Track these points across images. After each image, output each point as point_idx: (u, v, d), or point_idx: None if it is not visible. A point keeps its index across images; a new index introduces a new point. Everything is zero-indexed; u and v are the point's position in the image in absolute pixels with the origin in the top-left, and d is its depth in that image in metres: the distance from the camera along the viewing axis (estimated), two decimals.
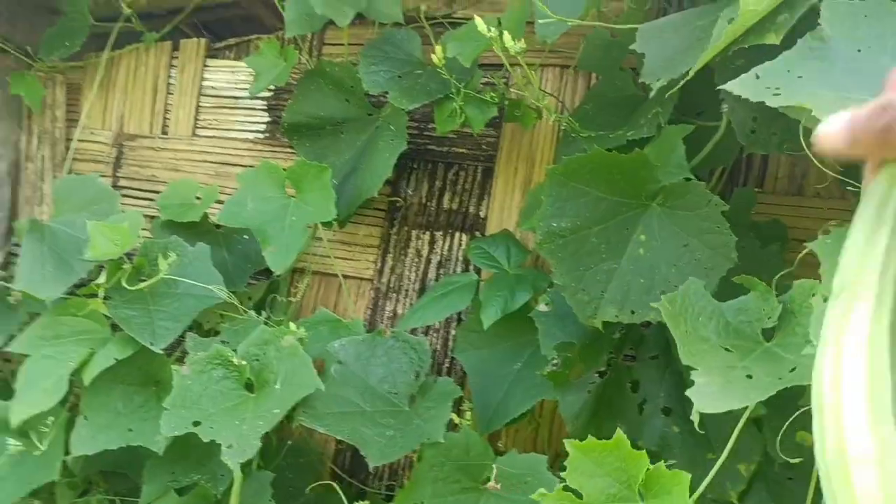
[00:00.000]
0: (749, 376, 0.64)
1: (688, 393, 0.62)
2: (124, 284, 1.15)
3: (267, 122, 1.53)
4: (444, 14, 1.43)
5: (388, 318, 1.43)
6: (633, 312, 0.96)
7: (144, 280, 1.21)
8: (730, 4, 0.83)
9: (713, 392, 0.62)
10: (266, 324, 1.21)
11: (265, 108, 1.53)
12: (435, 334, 1.40)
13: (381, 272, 1.44)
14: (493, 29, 0.98)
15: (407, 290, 1.43)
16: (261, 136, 1.53)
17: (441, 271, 1.41)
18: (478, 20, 0.98)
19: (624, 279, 0.97)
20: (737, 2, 0.78)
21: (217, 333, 1.24)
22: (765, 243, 1.10)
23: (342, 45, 1.46)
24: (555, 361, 1.08)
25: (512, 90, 1.37)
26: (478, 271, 1.33)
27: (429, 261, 1.42)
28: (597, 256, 0.98)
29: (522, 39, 1.00)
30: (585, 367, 1.10)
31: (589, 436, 0.86)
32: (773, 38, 0.73)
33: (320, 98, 1.38)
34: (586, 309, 0.98)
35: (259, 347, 1.11)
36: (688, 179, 0.96)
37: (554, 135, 1.37)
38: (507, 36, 0.98)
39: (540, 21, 1.01)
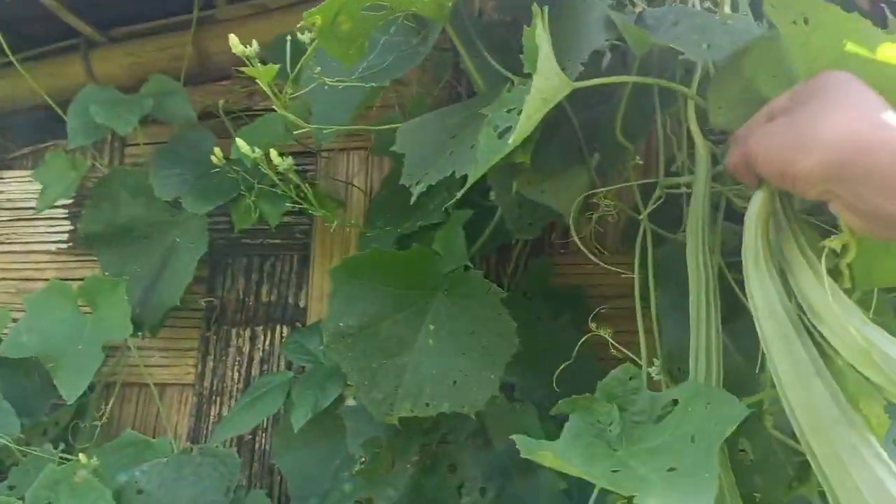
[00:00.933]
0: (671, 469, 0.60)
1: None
2: None
3: (69, 231, 1.45)
4: (244, 108, 1.43)
5: (214, 422, 1.36)
6: (427, 405, 0.96)
7: None
8: (474, 114, 0.85)
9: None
10: (63, 456, 1.12)
11: (66, 216, 1.46)
12: (263, 435, 1.35)
13: (202, 376, 1.38)
14: (256, 150, 0.97)
15: (231, 392, 1.37)
16: (64, 246, 1.45)
17: (264, 368, 1.37)
18: (239, 141, 0.97)
19: (417, 371, 0.97)
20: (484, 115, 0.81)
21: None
22: (558, 313, 1.14)
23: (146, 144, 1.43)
24: (362, 459, 1.06)
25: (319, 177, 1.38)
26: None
27: (251, 358, 1.38)
28: (388, 351, 0.97)
29: (289, 157, 0.99)
30: (397, 460, 1.09)
31: None
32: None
33: (117, 204, 1.32)
34: (381, 407, 0.96)
35: (49, 489, 1.03)
36: (467, 268, 0.98)
37: (366, 217, 1.37)
38: (273, 153, 0.97)
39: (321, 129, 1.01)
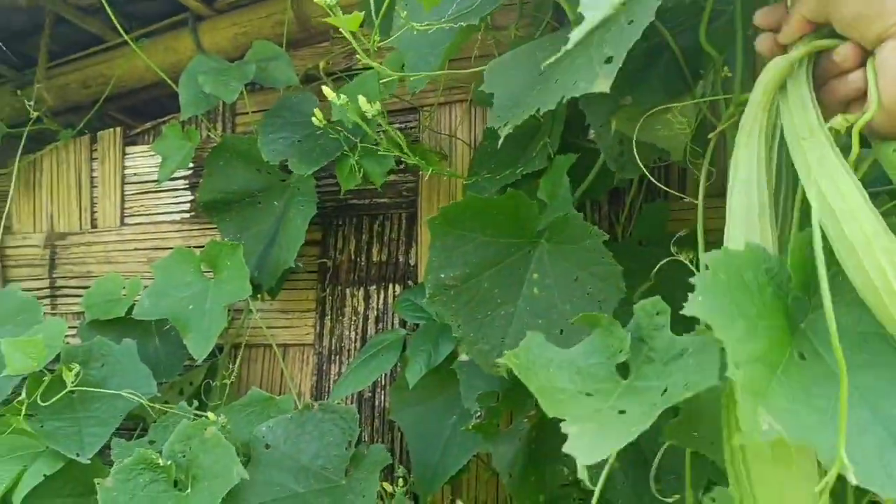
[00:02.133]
0: (622, 412, 0.59)
1: (565, 448, 0.57)
2: (38, 401, 1.13)
3: (191, 201, 1.52)
4: (344, 68, 1.42)
5: (335, 380, 1.40)
6: None
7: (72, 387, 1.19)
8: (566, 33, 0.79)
9: (590, 439, 0.57)
10: (197, 413, 1.18)
11: (187, 187, 1.52)
12: (382, 392, 1.36)
13: (321, 336, 1.41)
14: (342, 96, 0.95)
15: (349, 351, 1.39)
16: (187, 215, 1.52)
17: (379, 326, 1.38)
18: (326, 90, 0.95)
19: (522, 322, 0.93)
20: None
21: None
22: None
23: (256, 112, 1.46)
24: (478, 413, 1.04)
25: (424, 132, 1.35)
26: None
27: (366, 317, 1.39)
28: (492, 303, 0.94)
29: (378, 103, 0.96)
30: (513, 414, 1.06)
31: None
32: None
33: (230, 172, 1.36)
34: (488, 358, 0.93)
35: (183, 443, 1.08)
36: (565, 214, 0.92)
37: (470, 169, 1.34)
38: (362, 100, 0.95)
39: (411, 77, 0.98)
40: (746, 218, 0.60)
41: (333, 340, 1.40)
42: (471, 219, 0.94)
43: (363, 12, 0.80)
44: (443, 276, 0.94)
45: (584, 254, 0.89)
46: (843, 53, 0.60)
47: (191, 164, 1.47)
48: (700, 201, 0.75)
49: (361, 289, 1.40)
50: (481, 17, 0.88)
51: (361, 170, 1.19)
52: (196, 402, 1.25)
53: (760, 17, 0.66)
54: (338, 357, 1.40)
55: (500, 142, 1.13)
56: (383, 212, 1.40)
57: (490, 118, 0.82)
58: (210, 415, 1.09)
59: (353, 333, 1.39)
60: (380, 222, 1.41)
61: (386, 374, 1.34)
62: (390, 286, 1.38)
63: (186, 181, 1.52)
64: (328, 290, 1.42)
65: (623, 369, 0.68)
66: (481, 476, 1.28)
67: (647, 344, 0.68)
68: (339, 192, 1.40)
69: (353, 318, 1.40)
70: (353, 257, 1.41)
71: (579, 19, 0.68)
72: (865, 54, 0.59)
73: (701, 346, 0.61)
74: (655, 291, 0.84)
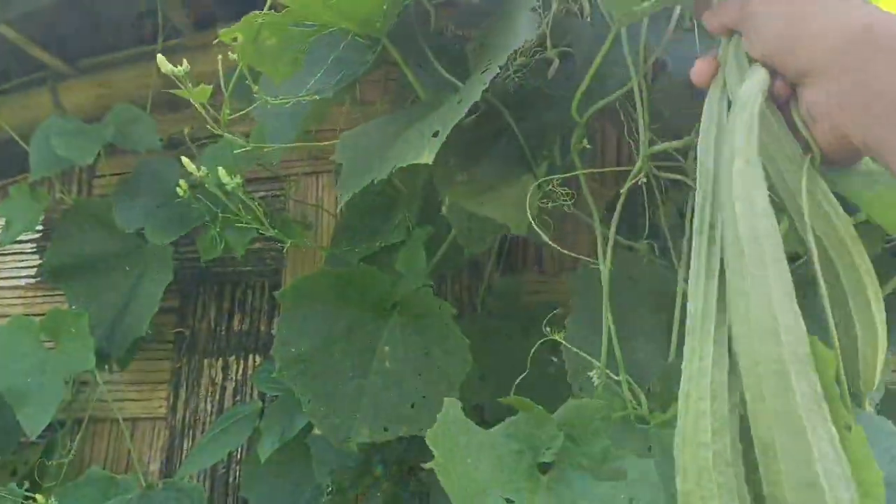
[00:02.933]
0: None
1: None
2: None
3: (38, 265, 1.43)
4: (210, 135, 1.40)
5: (188, 456, 1.33)
6: (385, 429, 0.92)
7: None
8: (423, 114, 0.83)
9: None
10: (27, 495, 1.09)
11: (34, 250, 1.44)
12: (237, 467, 1.31)
13: (174, 409, 1.35)
14: (202, 168, 0.95)
15: (205, 424, 1.34)
16: (32, 280, 1.43)
17: (237, 398, 1.34)
18: (185, 161, 0.95)
19: (374, 394, 0.94)
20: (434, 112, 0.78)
21: None
22: (528, 332, 1.10)
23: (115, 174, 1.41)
24: (329, 489, 1.02)
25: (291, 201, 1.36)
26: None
27: (224, 389, 1.35)
28: (343, 375, 0.94)
29: (237, 175, 0.97)
30: (367, 490, 1.05)
31: None
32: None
33: (83, 236, 1.31)
34: (338, 433, 0.93)
35: None
36: (424, 286, 0.95)
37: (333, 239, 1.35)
38: (221, 171, 0.95)
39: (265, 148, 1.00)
40: (762, 266, 0.45)
41: (188, 413, 1.35)
42: (322, 291, 0.95)
43: (212, 85, 0.81)
44: (293, 350, 0.94)
45: (434, 328, 0.92)
46: (776, 90, 0.51)
47: (39, 227, 1.40)
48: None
49: (220, 359, 1.36)
50: (335, 92, 0.92)
51: (223, 240, 1.18)
52: (27, 484, 1.16)
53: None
54: (192, 431, 1.34)
55: (366, 215, 1.17)
56: (246, 280, 1.39)
57: (338, 186, 0.84)
58: (39, 497, 1.01)
59: (209, 406, 1.34)
60: (242, 290, 1.39)
61: (242, 448, 1.29)
62: (251, 356, 1.35)
63: (34, 244, 1.44)
64: (184, 359, 1.37)
65: (544, 467, 0.67)
66: None
67: (579, 447, 0.68)
68: (199, 258, 1.38)
69: (211, 389, 1.35)
70: (212, 326, 1.37)
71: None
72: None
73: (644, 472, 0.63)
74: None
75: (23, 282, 1.43)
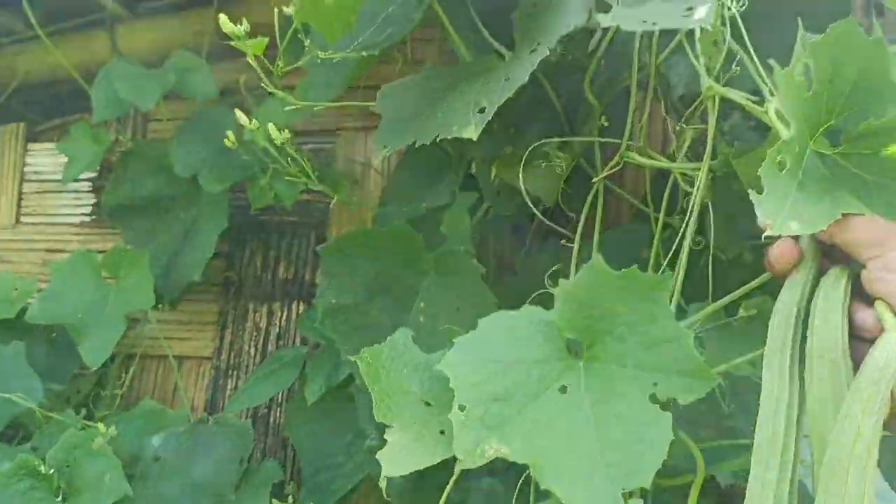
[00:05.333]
0: (442, 431, 0.63)
1: (377, 455, 0.62)
2: None
3: (94, 205, 1.48)
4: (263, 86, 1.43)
5: (231, 395, 1.40)
6: None
7: None
8: (459, 80, 0.85)
9: (401, 451, 0.62)
10: (85, 423, 1.16)
11: (90, 189, 1.49)
12: (278, 409, 1.37)
13: (219, 350, 1.41)
14: (253, 119, 0.98)
15: (248, 366, 1.40)
16: (87, 219, 1.48)
17: (280, 343, 1.39)
18: (238, 113, 0.98)
19: None
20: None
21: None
22: None
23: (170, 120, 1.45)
24: (373, 435, 1.07)
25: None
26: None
27: (268, 333, 1.40)
28: (381, 328, 0.98)
29: (286, 131, 1.00)
30: None
31: None
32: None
33: (140, 178, 1.35)
34: None
35: (68, 452, 1.06)
36: (462, 251, 0.98)
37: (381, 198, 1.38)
38: (272, 127, 0.98)
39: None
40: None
41: (232, 355, 1.40)
42: (363, 248, 0.99)
43: (267, 37, 0.83)
44: (334, 301, 0.98)
45: (465, 286, 0.96)
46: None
47: (96, 167, 1.44)
48: (576, 243, 0.82)
49: (265, 304, 1.41)
50: (381, 49, 0.93)
51: (273, 190, 1.21)
52: (84, 411, 1.23)
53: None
54: (235, 372, 1.40)
55: (416, 175, 1.20)
56: (293, 230, 1.43)
57: (376, 138, 0.87)
58: (100, 425, 1.07)
59: (252, 349, 1.40)
60: (288, 240, 1.43)
61: (283, 391, 1.35)
62: (294, 304, 1.40)
63: (90, 184, 1.49)
64: (231, 303, 1.42)
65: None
66: (377, 498, 1.31)
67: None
68: (249, 207, 1.42)
69: (255, 333, 1.40)
70: (258, 273, 1.42)
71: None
72: None
73: None
74: None
75: (78, 219, 1.48)
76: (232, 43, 0.82)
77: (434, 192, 1.13)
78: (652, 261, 0.74)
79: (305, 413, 1.19)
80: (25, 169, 1.51)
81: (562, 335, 0.63)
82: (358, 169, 1.38)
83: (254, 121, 0.97)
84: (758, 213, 0.50)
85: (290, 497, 1.08)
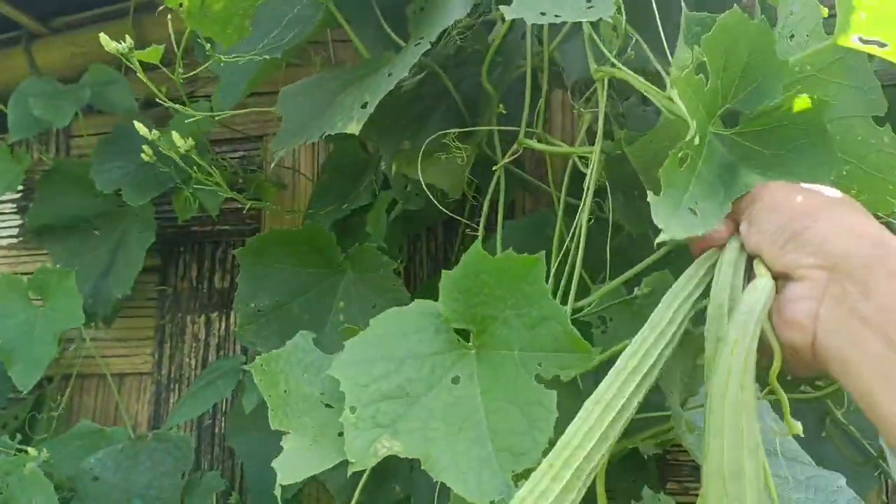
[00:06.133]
0: (341, 434, 0.61)
1: (273, 463, 0.62)
2: None
3: (20, 226, 1.46)
4: (187, 93, 1.42)
5: (174, 408, 1.39)
6: None
7: None
8: (355, 77, 0.85)
9: (296, 458, 0.62)
10: (19, 447, 1.14)
11: (15, 210, 1.46)
12: (222, 418, 1.37)
13: (159, 364, 1.40)
14: (153, 131, 0.98)
15: (189, 379, 1.39)
16: (15, 240, 1.46)
17: (221, 353, 1.38)
18: (137, 125, 0.98)
19: (330, 348, 0.98)
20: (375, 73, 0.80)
21: None
22: None
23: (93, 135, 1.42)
24: None
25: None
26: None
27: (207, 344, 1.39)
28: (300, 329, 0.98)
29: (189, 138, 1.00)
30: None
31: None
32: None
33: (63, 197, 1.33)
34: None
35: (1, 480, 1.05)
36: (374, 247, 0.99)
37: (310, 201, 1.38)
38: (175, 136, 0.98)
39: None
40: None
41: (173, 368, 1.39)
42: (278, 250, 0.99)
43: (163, 46, 0.83)
44: (252, 305, 0.98)
45: (380, 282, 0.97)
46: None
47: (20, 187, 1.42)
48: (480, 231, 0.83)
49: (202, 315, 1.40)
50: (285, 51, 0.94)
51: (197, 200, 1.20)
52: (19, 436, 1.21)
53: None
54: (177, 385, 1.39)
55: (341, 178, 1.20)
56: (226, 238, 1.42)
57: (276, 141, 0.87)
58: (30, 450, 1.05)
59: (193, 361, 1.39)
60: (223, 248, 1.42)
61: (227, 400, 1.34)
62: (232, 313, 1.39)
63: (15, 205, 1.46)
64: (168, 317, 1.41)
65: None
66: (321, 499, 1.31)
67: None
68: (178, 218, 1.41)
69: (194, 344, 1.39)
70: (194, 283, 1.41)
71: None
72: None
73: None
74: None
75: (5, 241, 1.45)
76: (122, 55, 0.82)
77: (357, 194, 1.14)
78: (555, 242, 0.76)
79: (246, 421, 1.18)
80: None
81: (450, 325, 0.65)
82: (286, 173, 1.37)
83: (154, 132, 0.96)
84: (653, 217, 0.52)
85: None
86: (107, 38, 0.80)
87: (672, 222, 0.53)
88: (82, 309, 1.19)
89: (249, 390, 1.14)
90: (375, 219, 1.03)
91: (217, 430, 1.35)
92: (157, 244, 1.31)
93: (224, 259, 1.41)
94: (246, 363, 1.23)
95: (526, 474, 0.51)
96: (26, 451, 1.08)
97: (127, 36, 0.82)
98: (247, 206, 1.38)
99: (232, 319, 1.39)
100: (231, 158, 1.36)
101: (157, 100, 1.34)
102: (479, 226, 0.86)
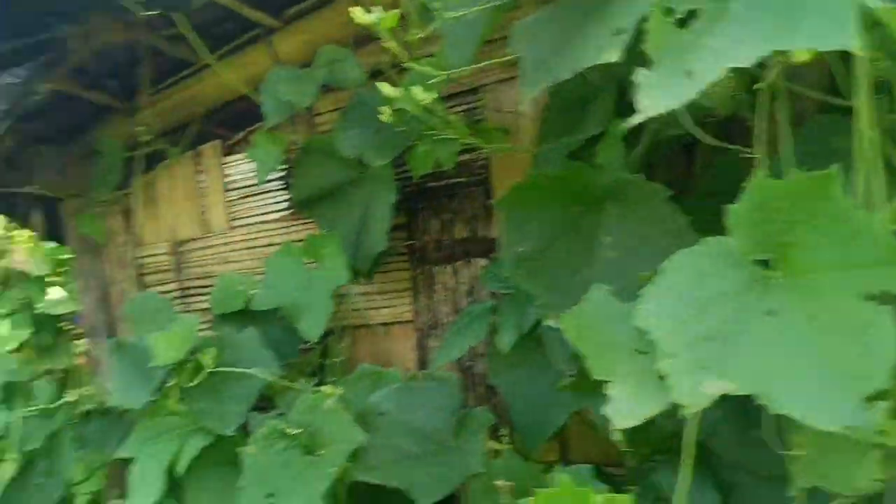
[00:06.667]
0: (661, 377, 0.62)
1: (603, 411, 0.64)
2: (185, 385, 1.31)
3: (288, 200, 1.66)
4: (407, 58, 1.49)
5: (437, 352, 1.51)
6: None
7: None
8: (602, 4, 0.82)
9: (626, 404, 0.64)
10: (316, 388, 1.33)
11: (283, 186, 1.66)
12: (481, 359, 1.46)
13: (418, 312, 1.53)
14: (398, 87, 1.03)
15: (445, 324, 1.49)
16: (286, 213, 1.66)
17: (470, 299, 1.47)
18: (380, 85, 1.04)
19: (599, 284, 0.99)
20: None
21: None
22: None
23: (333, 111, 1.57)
24: (570, 373, 1.11)
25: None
26: None
27: (457, 291, 1.49)
28: (570, 268, 0.99)
29: (431, 91, 1.04)
30: None
31: None
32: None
33: (317, 170, 1.48)
34: None
35: (307, 414, 1.23)
36: (625, 177, 0.96)
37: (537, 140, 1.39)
38: (416, 89, 1.02)
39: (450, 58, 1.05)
40: None
41: (430, 315, 1.51)
42: (536, 193, 1.00)
43: (398, 10, 0.87)
44: (519, 250, 1.01)
45: (650, 212, 0.93)
46: None
47: (283, 166, 1.61)
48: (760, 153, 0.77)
49: (449, 265, 1.49)
50: None
51: (432, 155, 1.27)
52: (315, 380, 1.41)
53: None
54: (435, 331, 1.51)
55: (566, 111, 1.18)
56: (460, 191, 1.49)
57: (521, 82, 0.85)
58: (327, 388, 1.22)
59: (446, 308, 1.50)
60: (459, 201, 1.49)
61: (485, 343, 1.42)
62: (476, 260, 1.47)
63: (282, 182, 1.66)
64: (418, 269, 1.53)
65: None
66: (589, 431, 1.35)
67: None
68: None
69: (445, 293, 1.50)
70: (438, 236, 1.51)
71: None
72: None
73: None
74: None
75: (278, 215, 1.67)
76: (365, 25, 0.87)
77: (588, 125, 1.12)
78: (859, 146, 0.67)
79: (504, 361, 1.25)
80: (226, 179, 1.73)
81: (747, 260, 0.62)
82: (509, 119, 1.39)
83: (399, 88, 1.02)
84: None
85: (506, 439, 1.16)
86: (359, 12, 0.86)
87: None
88: (348, 267, 1.34)
89: (503, 332, 1.20)
90: (607, 149, 1.00)
91: (476, 370, 1.45)
92: (402, 203, 1.42)
93: (462, 210, 1.48)
94: (495, 308, 1.29)
95: (879, 397, 0.49)
96: (322, 392, 1.26)
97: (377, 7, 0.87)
98: (478, 157, 1.44)
99: (476, 266, 1.46)
100: (456, 113, 1.41)
101: (392, 66, 1.44)
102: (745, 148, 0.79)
